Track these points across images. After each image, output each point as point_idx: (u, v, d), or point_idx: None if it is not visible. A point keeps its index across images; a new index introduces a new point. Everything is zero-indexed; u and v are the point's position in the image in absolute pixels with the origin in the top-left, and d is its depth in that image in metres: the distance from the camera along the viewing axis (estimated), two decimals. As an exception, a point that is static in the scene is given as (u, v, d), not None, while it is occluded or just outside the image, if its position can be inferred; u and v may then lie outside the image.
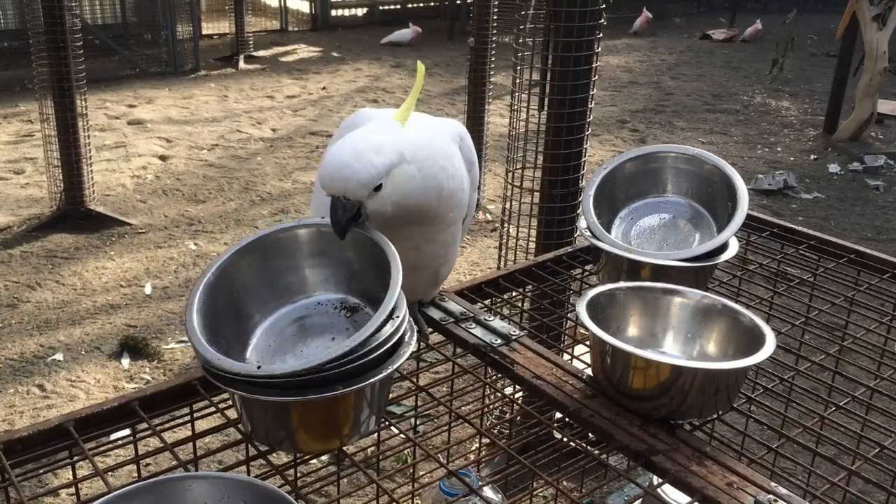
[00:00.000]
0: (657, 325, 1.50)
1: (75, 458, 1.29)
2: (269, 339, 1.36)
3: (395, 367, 1.21)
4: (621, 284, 1.53)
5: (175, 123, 8.20)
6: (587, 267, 1.98)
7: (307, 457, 1.47)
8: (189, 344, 4.21)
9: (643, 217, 1.88)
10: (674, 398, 1.30)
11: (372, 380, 1.17)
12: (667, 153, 1.89)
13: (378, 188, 1.31)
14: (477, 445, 2.90)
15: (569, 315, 2.05)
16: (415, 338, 1.28)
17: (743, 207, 1.74)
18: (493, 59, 6.04)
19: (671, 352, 1.49)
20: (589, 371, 1.49)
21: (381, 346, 1.19)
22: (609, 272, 1.74)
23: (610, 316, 1.48)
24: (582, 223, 1.79)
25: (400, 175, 1.33)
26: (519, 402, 1.64)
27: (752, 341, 1.35)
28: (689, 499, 1.20)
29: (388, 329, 1.21)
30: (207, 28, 12.40)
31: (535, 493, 2.05)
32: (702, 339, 1.48)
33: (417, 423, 1.79)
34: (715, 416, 1.37)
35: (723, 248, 1.72)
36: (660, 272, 1.66)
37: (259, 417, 1.22)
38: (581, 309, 1.39)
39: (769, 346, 1.31)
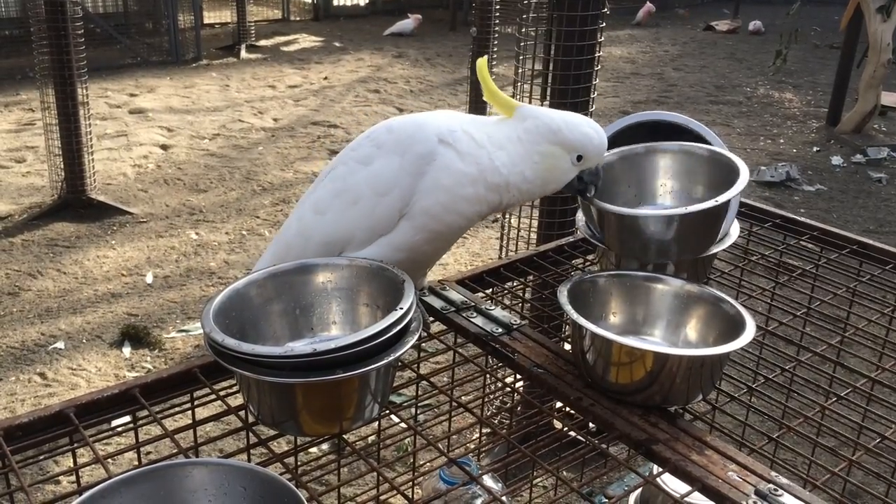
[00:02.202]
0: (639, 313, 1.50)
1: (76, 445, 1.29)
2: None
3: (400, 352, 1.22)
4: (603, 273, 1.53)
5: (176, 112, 8.19)
6: (588, 257, 1.98)
7: (307, 445, 1.48)
8: (190, 333, 4.23)
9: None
10: (658, 386, 1.30)
11: (377, 364, 1.18)
12: (665, 150, 1.85)
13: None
14: (477, 434, 2.90)
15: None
16: (420, 327, 1.29)
17: (743, 177, 1.71)
18: (495, 49, 6.03)
19: (653, 339, 1.49)
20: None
21: (386, 333, 1.20)
22: (609, 260, 1.74)
23: (592, 304, 1.48)
24: (580, 217, 1.78)
25: None
26: (519, 391, 1.64)
27: (734, 327, 1.35)
28: (689, 488, 1.20)
29: (396, 315, 1.23)
30: (209, 17, 12.37)
31: (535, 482, 2.05)
32: (684, 326, 1.47)
33: (418, 412, 1.79)
34: (699, 397, 1.36)
35: (722, 237, 1.71)
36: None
37: (266, 400, 1.22)
38: (562, 297, 1.39)
39: (750, 331, 1.31)
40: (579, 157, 1.51)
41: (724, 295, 1.44)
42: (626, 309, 1.50)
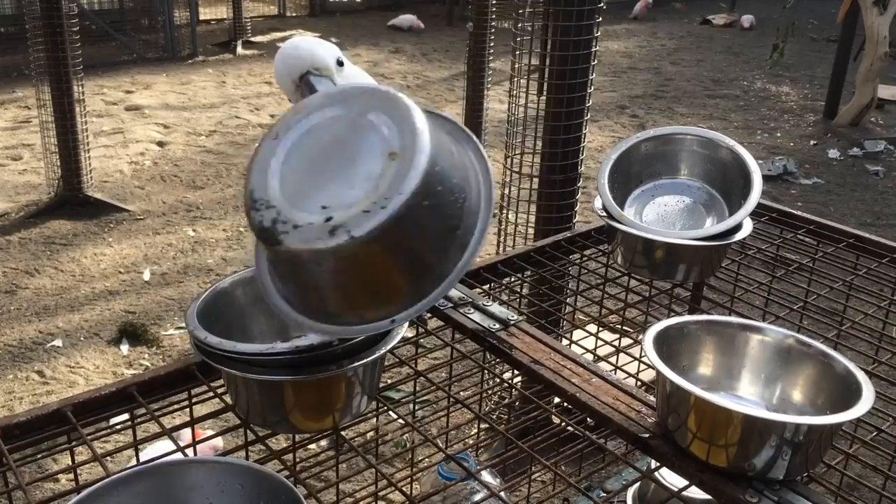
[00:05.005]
0: (734, 367, 1.33)
1: (74, 443, 1.29)
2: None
3: (386, 349, 1.21)
4: (690, 318, 1.36)
5: (173, 109, 8.17)
6: (586, 252, 1.98)
7: (305, 441, 1.48)
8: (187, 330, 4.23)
9: (656, 198, 1.88)
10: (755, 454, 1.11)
11: (362, 361, 1.18)
12: (683, 135, 1.89)
13: (341, 63, 1.29)
14: (475, 430, 2.91)
15: (567, 300, 2.05)
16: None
17: (757, 189, 1.73)
18: (492, 44, 6.01)
19: (748, 397, 1.31)
20: (589, 357, 1.50)
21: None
22: (623, 251, 1.75)
23: (679, 353, 1.31)
24: (597, 202, 1.79)
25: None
26: (517, 386, 1.64)
27: (845, 390, 1.17)
28: (686, 482, 1.20)
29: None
30: (205, 13, 12.33)
31: (533, 477, 2.06)
32: (784, 383, 1.29)
33: (416, 408, 1.79)
34: (805, 474, 1.16)
35: (736, 228, 1.72)
36: (674, 251, 1.66)
37: (255, 399, 1.22)
38: (648, 345, 1.23)
39: (868, 397, 1.12)
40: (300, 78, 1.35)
41: (830, 350, 1.26)
42: (718, 360, 1.34)
